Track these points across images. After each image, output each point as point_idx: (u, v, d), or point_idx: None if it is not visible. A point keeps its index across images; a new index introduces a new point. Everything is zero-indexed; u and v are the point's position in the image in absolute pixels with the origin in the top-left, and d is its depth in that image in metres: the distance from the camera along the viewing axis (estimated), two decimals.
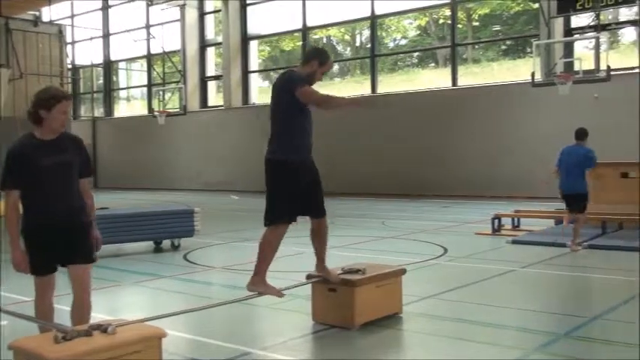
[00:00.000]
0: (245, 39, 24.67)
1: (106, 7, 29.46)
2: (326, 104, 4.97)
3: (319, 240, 5.20)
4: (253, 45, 25.15)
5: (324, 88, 25.45)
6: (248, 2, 24.61)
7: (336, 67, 25.70)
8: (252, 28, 24.73)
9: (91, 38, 29.97)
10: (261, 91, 25.77)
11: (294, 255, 9.15)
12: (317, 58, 5.03)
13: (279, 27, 24.45)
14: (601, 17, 16.25)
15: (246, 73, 24.75)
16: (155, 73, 26.85)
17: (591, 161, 9.13)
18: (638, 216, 9.92)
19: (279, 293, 5.14)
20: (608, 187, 10.55)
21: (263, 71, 26.78)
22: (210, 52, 26.67)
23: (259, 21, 24.67)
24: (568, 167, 9.13)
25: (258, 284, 5.05)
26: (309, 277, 5.44)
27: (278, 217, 4.91)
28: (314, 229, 5.17)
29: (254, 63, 25.28)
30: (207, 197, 20.86)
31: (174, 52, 26.10)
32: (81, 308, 4.09)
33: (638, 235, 9.32)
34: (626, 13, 17.85)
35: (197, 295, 6.72)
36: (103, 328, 3.60)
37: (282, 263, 8.52)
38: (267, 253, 5.01)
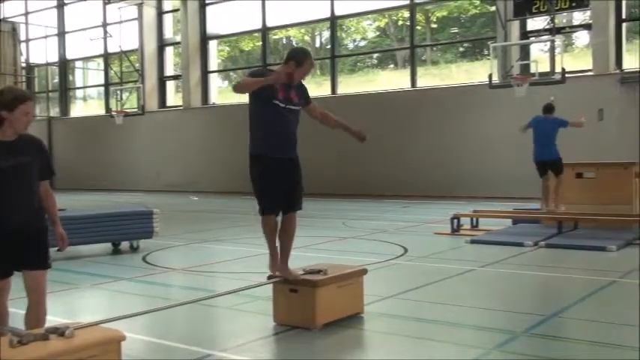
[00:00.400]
0: (204, 39, 24.48)
1: (61, 5, 28.91)
2: (236, 89, 5.09)
3: (284, 236, 5.31)
4: (212, 45, 24.97)
5: None
6: (207, 2, 24.42)
7: None
8: (211, 28, 24.55)
9: (46, 36, 29.38)
10: (220, 92, 25.60)
11: (256, 255, 9.11)
12: (294, 59, 5.10)
13: (238, 27, 24.31)
14: (556, 21, 16.56)
15: (205, 73, 24.56)
16: (112, 72, 26.46)
17: (565, 121, 10.38)
18: (592, 215, 10.13)
19: (290, 275, 5.27)
20: (564, 187, 10.74)
21: (222, 71, 26.61)
22: (169, 51, 26.39)
23: (218, 21, 24.50)
24: (541, 138, 10.25)
25: (272, 268, 5.33)
26: (270, 277, 5.42)
27: (260, 208, 5.20)
28: (282, 223, 5.28)
29: (213, 63, 25.10)
30: (166, 198, 20.64)
31: (132, 51, 25.75)
32: (36, 313, 4.00)
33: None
34: (579, 17, 18.24)
35: (157, 297, 6.63)
36: (60, 331, 3.52)
37: (243, 264, 8.50)
38: (266, 240, 5.29)
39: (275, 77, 4.86)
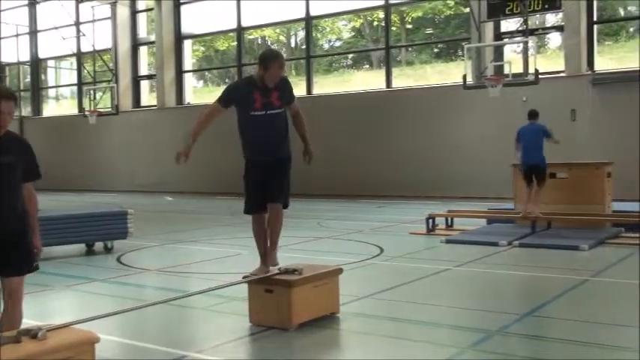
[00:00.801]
0: (179, 38, 24.31)
1: (33, 3, 28.54)
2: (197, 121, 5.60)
3: (268, 227, 5.46)
4: (187, 44, 24.81)
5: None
6: (181, 1, 24.26)
7: None
8: (185, 28, 24.39)
9: (17, 35, 28.97)
10: (195, 91, 25.48)
11: (232, 256, 9.08)
12: (261, 63, 5.26)
13: (213, 27, 24.19)
14: (529, 22, 16.72)
15: (180, 72, 24.39)
16: (85, 71, 26.18)
17: (548, 132, 10.47)
18: (565, 215, 10.25)
19: (273, 261, 5.46)
20: (543, 194, 10.82)
21: (197, 71, 26.47)
22: (143, 51, 26.18)
23: (193, 20, 24.36)
24: (528, 144, 10.40)
25: (260, 269, 5.45)
26: (245, 277, 5.40)
27: (245, 208, 5.51)
28: (267, 216, 5.46)
29: (188, 63, 24.94)
30: (140, 198, 20.48)
31: (106, 50, 25.49)
32: (12, 316, 3.91)
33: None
34: (552, 19, 18.45)
35: (131, 298, 6.57)
36: (32, 333, 3.46)
37: (218, 264, 8.46)
38: (255, 241, 5.53)
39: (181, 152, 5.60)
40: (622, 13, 19.00)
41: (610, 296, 6.47)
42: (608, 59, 17.51)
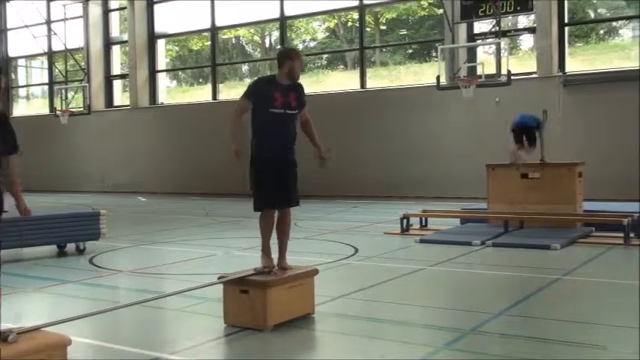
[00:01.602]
0: (152, 37, 24.13)
1: (2, 1, 28.13)
2: (228, 122, 5.60)
3: (279, 231, 5.62)
4: (161, 44, 24.64)
5: (231, 89, 25.04)
6: (155, 0, 24.09)
7: (245, 67, 25.59)
8: (159, 27, 24.22)
9: None
10: (169, 91, 25.32)
11: (206, 257, 9.04)
12: (286, 58, 5.52)
13: (187, 26, 24.06)
14: (501, 24, 16.89)
15: (153, 72, 24.21)
16: (57, 70, 25.87)
17: (541, 125, 11.11)
18: (537, 215, 10.36)
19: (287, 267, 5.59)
20: (510, 187, 10.96)
21: (171, 71, 26.31)
22: (116, 50, 25.94)
23: (167, 19, 24.19)
24: (521, 115, 11.25)
25: (263, 262, 5.52)
26: (220, 278, 5.38)
27: (258, 205, 5.52)
28: (278, 219, 5.60)
29: (161, 62, 24.77)
30: (113, 199, 20.29)
31: (78, 49, 25.21)
32: None
33: None
34: (524, 21, 18.65)
35: (104, 299, 6.51)
36: (3, 336, 3.42)
37: (193, 265, 8.42)
38: (262, 236, 5.60)
39: (234, 149, 5.43)
40: (592, 15, 19.28)
41: (581, 295, 6.56)
42: (579, 61, 17.74)
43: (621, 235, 9.18)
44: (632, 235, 9.23)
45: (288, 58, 5.49)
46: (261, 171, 5.49)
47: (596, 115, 15.92)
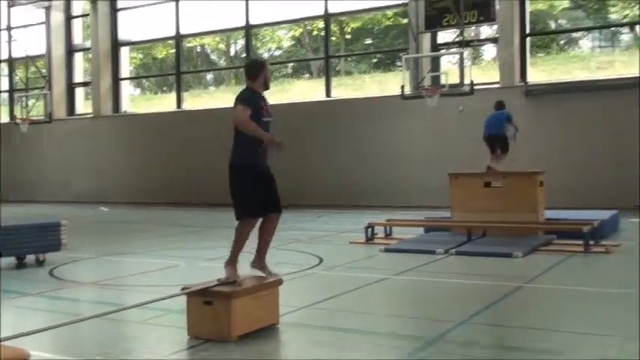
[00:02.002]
0: (115, 45, 23.88)
1: None
2: (238, 123, 5.50)
3: (267, 234, 5.78)
4: (124, 51, 24.39)
5: (196, 98, 24.84)
6: (118, 7, 23.86)
7: (210, 76, 25.48)
8: (123, 34, 23.98)
9: None
10: (132, 99, 25.06)
11: (169, 267, 8.95)
12: (257, 69, 5.77)
13: (151, 33, 23.87)
14: (465, 34, 17.11)
15: (116, 80, 23.95)
16: (17, 78, 25.43)
17: (510, 119, 11.74)
18: (500, 223, 10.48)
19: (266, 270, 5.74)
20: (473, 195, 11.07)
21: (134, 78, 26.07)
22: (79, 57, 25.59)
23: (131, 27, 23.96)
24: (490, 121, 11.71)
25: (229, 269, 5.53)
26: (184, 289, 5.32)
27: (246, 212, 5.55)
28: (266, 223, 5.72)
29: (125, 70, 24.51)
30: (75, 209, 19.97)
31: (39, 56, 24.83)
32: None
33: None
34: (487, 31, 18.93)
35: (65, 312, 6.39)
36: None
37: (156, 276, 8.31)
38: (237, 243, 5.65)
39: (269, 139, 5.44)
40: (553, 26, 19.65)
41: (543, 302, 6.64)
42: (540, 71, 18.06)
43: (582, 242, 9.33)
44: (592, 242, 9.39)
45: (263, 67, 5.72)
46: (250, 180, 5.50)
47: (557, 125, 16.20)
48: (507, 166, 11.72)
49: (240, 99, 5.54)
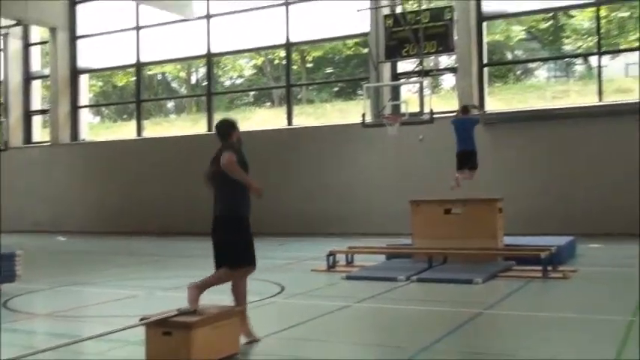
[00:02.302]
0: (75, 72, 23.63)
1: None
2: (228, 169, 5.76)
3: (241, 292, 6.06)
4: (84, 79, 24.14)
5: (157, 126, 24.65)
6: (78, 35, 23.67)
7: (171, 104, 25.38)
8: (82, 62, 23.75)
9: None
10: (91, 127, 24.76)
11: (128, 298, 8.79)
12: (234, 129, 6.16)
13: (111, 61, 23.70)
14: (424, 64, 17.38)
15: (75, 108, 23.66)
16: None
17: (477, 121, 12.66)
18: (460, 250, 10.57)
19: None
20: (433, 223, 11.15)
21: (94, 106, 25.80)
22: (36, 84, 25.24)
23: (90, 54, 23.75)
24: (460, 135, 12.30)
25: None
26: (142, 319, 5.23)
27: (244, 261, 5.93)
28: (240, 279, 6.04)
29: (84, 98, 24.23)
30: (31, 239, 19.53)
31: None
32: None
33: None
34: (446, 61, 19.27)
35: (19, 345, 6.20)
36: None
37: (114, 307, 8.15)
38: (219, 282, 6.02)
39: (256, 188, 5.84)
40: (509, 56, 20.11)
41: (502, 328, 6.69)
42: (498, 100, 18.42)
43: (540, 268, 9.45)
44: (550, 268, 9.52)
45: (234, 127, 6.13)
46: (242, 230, 5.83)
47: (514, 152, 16.48)
48: (462, 192, 12.00)
49: (227, 147, 5.88)
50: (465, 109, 12.91)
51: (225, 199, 5.84)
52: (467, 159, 12.27)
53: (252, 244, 5.91)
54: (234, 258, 5.81)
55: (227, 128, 6.13)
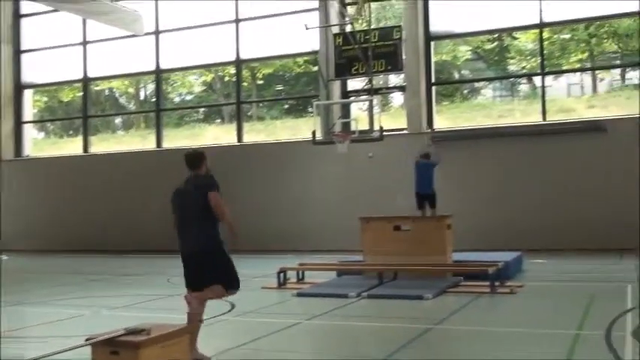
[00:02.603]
0: (19, 87, 23.11)
1: None
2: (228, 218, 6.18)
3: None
4: (28, 94, 23.61)
5: (104, 142, 24.18)
6: (22, 49, 23.17)
7: (119, 120, 25.00)
8: (27, 76, 23.25)
9: None
10: (35, 143, 24.18)
11: (74, 317, 8.58)
12: (204, 159, 6.42)
13: (57, 76, 23.24)
14: (373, 82, 17.56)
15: (19, 123, 23.10)
16: None
17: (436, 164, 13.58)
18: (410, 266, 10.66)
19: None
20: (383, 239, 11.22)
21: (38, 122, 25.22)
22: None
23: (35, 69, 23.26)
24: (420, 178, 13.34)
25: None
26: (88, 339, 5.10)
27: (235, 285, 6.30)
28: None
29: (29, 113, 23.68)
30: None
31: None
32: None
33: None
34: (395, 79, 19.51)
35: None
36: None
37: (59, 327, 7.94)
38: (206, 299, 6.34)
39: (237, 235, 6.19)
40: (456, 76, 20.50)
41: (452, 343, 6.76)
42: (445, 118, 18.72)
43: (488, 284, 9.59)
44: (497, 283, 9.67)
45: (204, 157, 6.41)
46: (225, 256, 6.15)
47: (461, 169, 16.74)
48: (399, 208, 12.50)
49: (212, 185, 6.20)
50: (426, 155, 13.90)
51: (200, 233, 6.06)
52: (426, 200, 13.30)
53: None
54: (233, 282, 6.17)
55: (198, 159, 6.33)
